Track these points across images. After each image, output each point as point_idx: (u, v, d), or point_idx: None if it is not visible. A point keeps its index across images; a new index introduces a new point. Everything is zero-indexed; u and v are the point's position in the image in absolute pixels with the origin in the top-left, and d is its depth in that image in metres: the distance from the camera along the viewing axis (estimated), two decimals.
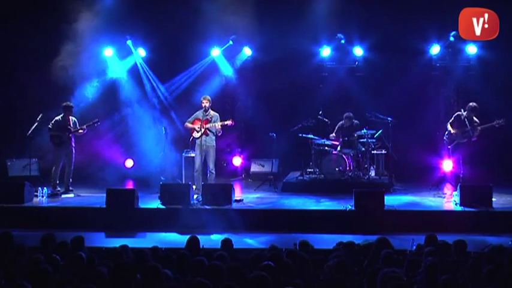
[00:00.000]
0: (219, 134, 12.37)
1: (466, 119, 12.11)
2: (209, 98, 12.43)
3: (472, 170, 12.19)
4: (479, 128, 12.10)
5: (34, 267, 5.92)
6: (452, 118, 12.52)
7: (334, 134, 13.65)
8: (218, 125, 12.22)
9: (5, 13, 14.24)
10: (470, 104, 12.31)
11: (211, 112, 12.36)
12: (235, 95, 15.29)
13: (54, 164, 12.88)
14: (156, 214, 11.20)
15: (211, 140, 12.34)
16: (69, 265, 6.39)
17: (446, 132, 12.54)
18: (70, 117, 12.81)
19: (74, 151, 12.86)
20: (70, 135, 12.74)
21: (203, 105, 12.29)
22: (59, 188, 12.78)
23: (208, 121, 12.30)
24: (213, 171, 12.37)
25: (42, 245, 7.39)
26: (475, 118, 12.21)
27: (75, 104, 13.24)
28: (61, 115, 12.79)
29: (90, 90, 14.39)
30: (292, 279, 5.91)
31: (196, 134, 12.35)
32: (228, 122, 12.30)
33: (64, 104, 12.87)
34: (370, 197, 11.03)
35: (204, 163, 12.44)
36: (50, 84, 13.80)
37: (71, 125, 12.78)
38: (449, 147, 12.54)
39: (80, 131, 12.78)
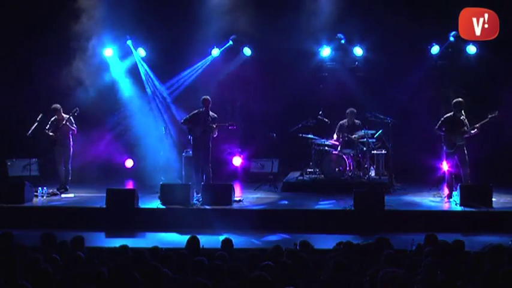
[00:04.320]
0: (215, 136, 12.34)
1: (459, 119, 11.62)
2: (209, 98, 12.47)
3: (472, 170, 12.16)
4: (475, 130, 11.70)
5: (34, 267, 5.92)
6: (440, 122, 11.81)
7: (335, 137, 13.61)
8: (217, 126, 12.21)
9: (4, 15, 14.25)
10: (455, 100, 11.74)
11: (211, 113, 12.39)
12: (235, 95, 15.27)
13: (55, 164, 12.98)
14: (156, 214, 11.20)
15: (209, 140, 12.33)
16: (69, 265, 6.38)
17: (443, 138, 11.91)
18: (63, 116, 12.88)
19: (71, 150, 12.92)
20: (69, 132, 12.82)
21: (206, 106, 12.28)
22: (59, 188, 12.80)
23: (209, 121, 12.29)
24: (210, 169, 12.42)
25: (42, 245, 7.38)
26: (463, 117, 11.65)
27: (76, 104, 13.23)
28: (54, 117, 12.92)
29: (90, 90, 14.37)
30: (292, 279, 5.91)
31: (196, 133, 12.33)
32: (230, 124, 12.30)
33: (52, 106, 12.94)
34: (370, 197, 11.03)
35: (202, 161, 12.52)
36: (50, 84, 13.79)
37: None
38: (450, 151, 12.23)
39: (67, 123, 12.76)
